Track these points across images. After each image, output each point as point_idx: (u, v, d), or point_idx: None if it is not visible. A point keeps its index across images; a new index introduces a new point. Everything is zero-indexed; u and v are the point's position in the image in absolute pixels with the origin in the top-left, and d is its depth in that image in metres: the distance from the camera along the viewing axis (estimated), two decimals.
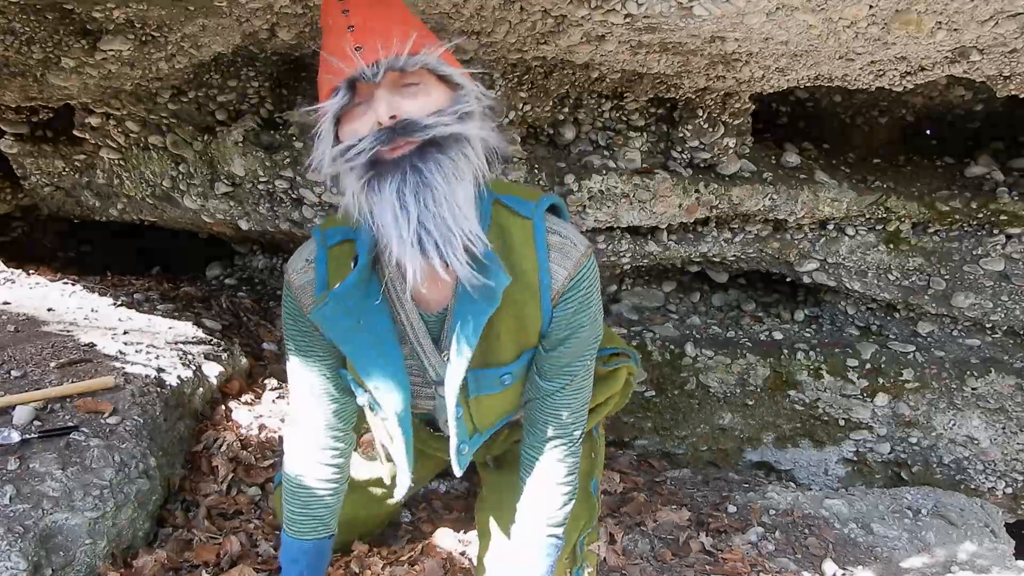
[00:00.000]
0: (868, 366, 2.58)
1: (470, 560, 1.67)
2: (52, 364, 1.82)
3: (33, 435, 1.53)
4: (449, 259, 1.05)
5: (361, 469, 1.70)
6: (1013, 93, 1.88)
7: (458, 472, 1.37)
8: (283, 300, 1.33)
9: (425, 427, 1.56)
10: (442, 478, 2.02)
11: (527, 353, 1.28)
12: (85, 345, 1.98)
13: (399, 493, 1.40)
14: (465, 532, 1.77)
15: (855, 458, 2.66)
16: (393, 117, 1.03)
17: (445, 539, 1.76)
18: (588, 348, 1.30)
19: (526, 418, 1.39)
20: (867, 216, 2.46)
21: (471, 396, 1.31)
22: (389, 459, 1.48)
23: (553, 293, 1.21)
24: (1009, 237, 2.44)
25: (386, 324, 1.22)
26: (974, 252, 2.46)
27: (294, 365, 1.34)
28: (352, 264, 1.20)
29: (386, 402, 1.25)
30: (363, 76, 1.03)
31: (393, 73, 1.04)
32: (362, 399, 1.35)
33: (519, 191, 1.25)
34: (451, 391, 1.24)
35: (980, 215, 2.43)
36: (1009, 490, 2.61)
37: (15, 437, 1.50)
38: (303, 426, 1.37)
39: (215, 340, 2.34)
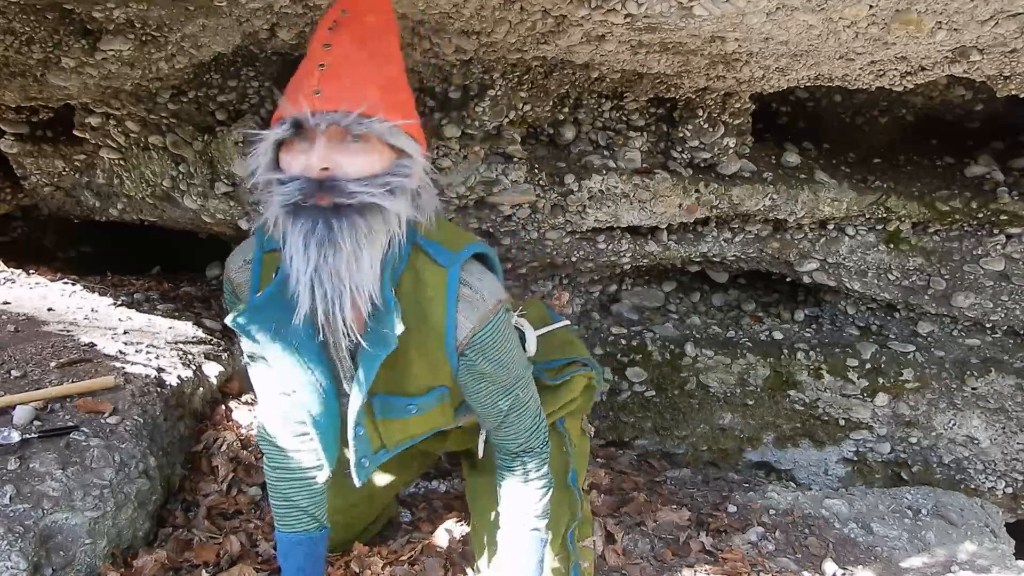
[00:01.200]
0: (868, 366, 2.58)
1: (471, 557, 1.67)
2: (52, 364, 1.82)
3: (33, 435, 1.53)
4: (332, 313, 1.11)
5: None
6: (1013, 93, 1.88)
7: (357, 483, 1.39)
8: (224, 294, 1.37)
9: None
10: (442, 478, 2.03)
11: (437, 391, 1.33)
12: (85, 345, 1.98)
13: (320, 479, 1.42)
14: (465, 532, 1.77)
15: (855, 458, 2.66)
16: (325, 169, 1.06)
17: (445, 539, 1.76)
18: (510, 387, 1.35)
19: (489, 435, 1.45)
20: (867, 216, 2.46)
21: (376, 417, 1.34)
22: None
23: (458, 343, 1.26)
24: (1009, 237, 2.44)
25: (308, 333, 1.21)
26: (974, 252, 2.46)
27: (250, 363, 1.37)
28: (274, 275, 1.23)
29: (303, 406, 1.28)
30: (307, 122, 1.06)
31: (339, 128, 1.06)
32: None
33: (446, 237, 1.27)
34: (352, 412, 1.28)
35: (980, 215, 2.43)
36: (1009, 490, 2.61)
37: (15, 437, 1.50)
38: (271, 418, 1.40)
39: (215, 340, 2.34)
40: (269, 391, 1.36)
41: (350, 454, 1.36)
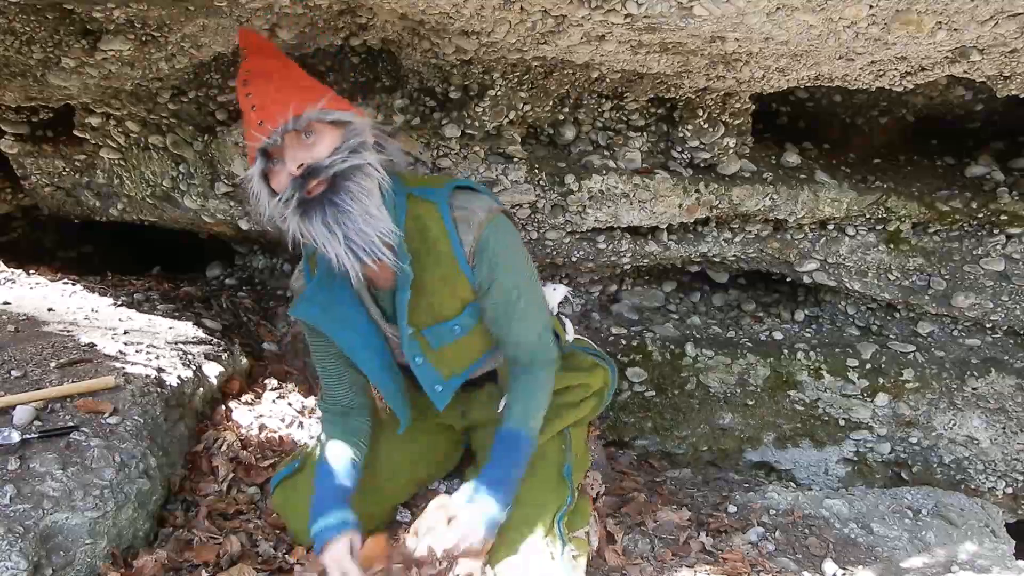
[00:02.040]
0: (868, 366, 2.58)
1: None
2: (52, 364, 1.82)
3: (33, 435, 1.53)
4: (378, 257, 1.37)
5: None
6: (1013, 93, 1.88)
7: (440, 408, 1.67)
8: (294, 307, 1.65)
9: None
10: (442, 478, 2.02)
11: (469, 307, 1.57)
12: (85, 345, 1.98)
13: (399, 430, 1.70)
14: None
15: (855, 458, 2.66)
16: (301, 166, 1.33)
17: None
18: (519, 286, 1.57)
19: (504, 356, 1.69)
20: (867, 216, 2.46)
21: (434, 347, 1.60)
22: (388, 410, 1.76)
23: (467, 256, 1.51)
24: (1009, 237, 2.44)
25: (355, 308, 1.58)
26: (974, 252, 2.46)
27: (314, 357, 1.70)
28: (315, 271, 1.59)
29: (364, 364, 1.61)
30: (268, 144, 1.34)
31: (291, 134, 1.33)
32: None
33: (429, 181, 1.57)
34: (405, 347, 1.58)
35: (980, 215, 2.43)
36: (1009, 490, 2.61)
37: (15, 437, 1.50)
38: (329, 401, 1.71)
39: (215, 340, 2.34)
40: (331, 366, 1.67)
41: (423, 383, 1.63)
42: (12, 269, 2.85)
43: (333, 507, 1.53)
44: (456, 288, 1.54)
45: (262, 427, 2.11)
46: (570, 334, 1.91)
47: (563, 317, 1.94)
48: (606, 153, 2.24)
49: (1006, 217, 2.40)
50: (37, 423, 1.59)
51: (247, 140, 1.38)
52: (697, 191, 2.25)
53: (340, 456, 1.63)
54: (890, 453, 2.63)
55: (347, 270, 1.40)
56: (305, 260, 1.65)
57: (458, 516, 1.51)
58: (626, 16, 1.44)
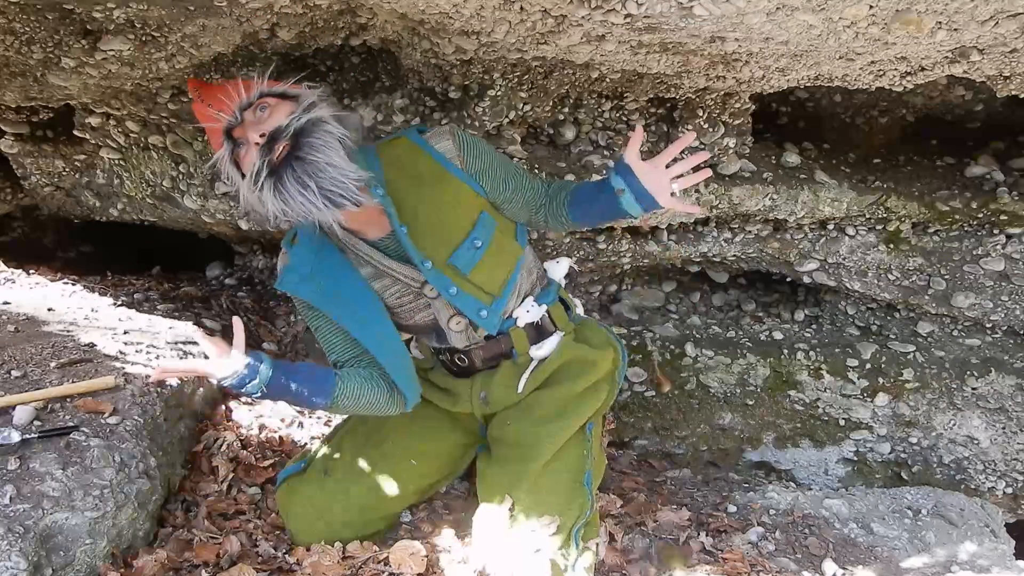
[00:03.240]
0: (868, 366, 2.58)
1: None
2: (52, 364, 1.82)
3: (33, 435, 1.53)
4: (355, 200, 1.42)
5: (363, 465, 1.74)
6: (1013, 93, 1.88)
7: (492, 332, 1.69)
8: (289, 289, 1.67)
9: (449, 376, 1.83)
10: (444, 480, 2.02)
11: (480, 217, 1.61)
12: (85, 345, 1.98)
13: (407, 407, 1.65)
14: (465, 532, 1.77)
15: (855, 458, 2.66)
16: (262, 135, 1.41)
17: (445, 539, 1.76)
18: (514, 167, 1.74)
19: (540, 204, 1.77)
20: (867, 216, 2.46)
21: (466, 273, 1.61)
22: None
23: (458, 162, 1.59)
24: (1009, 237, 2.44)
25: (350, 276, 1.59)
26: (974, 252, 2.46)
27: (317, 335, 1.68)
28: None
29: (364, 338, 1.58)
30: (231, 123, 1.45)
31: (248, 111, 1.45)
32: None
33: (393, 137, 1.68)
34: (437, 283, 1.60)
35: (980, 215, 2.43)
36: (1009, 490, 2.61)
37: (15, 437, 1.50)
38: (339, 357, 1.67)
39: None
40: (333, 337, 1.64)
41: (464, 316, 1.65)
42: (12, 269, 2.85)
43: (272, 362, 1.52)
44: (460, 200, 1.60)
45: (262, 427, 2.11)
46: (579, 308, 1.93)
47: (570, 296, 1.95)
48: (606, 153, 2.24)
49: (1006, 217, 2.40)
50: (37, 423, 1.59)
51: (208, 132, 1.52)
52: (697, 191, 2.25)
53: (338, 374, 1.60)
54: (890, 453, 2.63)
55: (331, 227, 1.49)
56: (287, 242, 1.69)
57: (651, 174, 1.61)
58: (626, 16, 1.44)
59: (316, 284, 1.59)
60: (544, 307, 1.76)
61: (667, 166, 1.60)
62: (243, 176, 1.47)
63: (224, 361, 1.45)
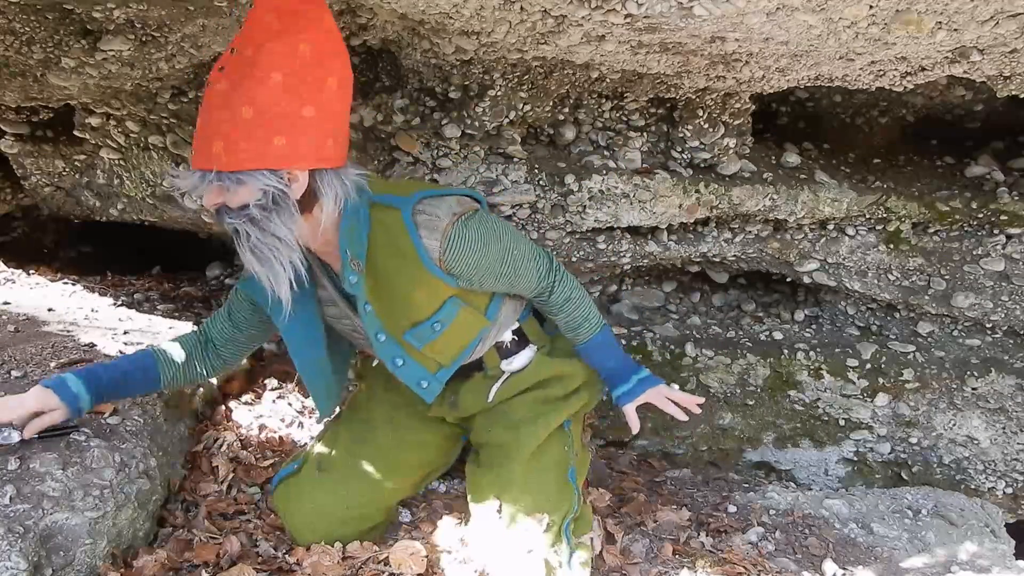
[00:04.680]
0: (868, 366, 2.58)
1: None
2: (52, 364, 1.82)
3: (33, 435, 1.53)
4: (274, 293, 1.44)
5: (361, 461, 1.76)
6: (1013, 93, 1.88)
7: (429, 400, 1.69)
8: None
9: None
10: (442, 478, 2.03)
11: (447, 303, 1.56)
12: (85, 345, 1.98)
13: (320, 416, 1.78)
14: (464, 531, 1.77)
15: (855, 458, 2.66)
16: (216, 204, 1.37)
17: (445, 539, 1.76)
18: (506, 263, 1.59)
19: (538, 305, 1.75)
20: (867, 216, 2.46)
21: (419, 349, 1.60)
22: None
23: (436, 262, 1.50)
24: (1009, 237, 2.44)
25: (305, 294, 1.54)
26: (974, 252, 2.46)
27: (232, 299, 1.67)
28: None
29: (295, 353, 1.63)
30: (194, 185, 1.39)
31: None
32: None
33: (395, 188, 1.58)
34: (379, 353, 1.61)
35: (980, 215, 2.43)
36: (1009, 490, 2.61)
37: (15, 437, 1.50)
38: (210, 330, 1.68)
39: None
40: (237, 320, 1.65)
41: (406, 382, 1.66)
42: (12, 269, 2.86)
43: (79, 375, 1.54)
44: (431, 289, 1.54)
45: (262, 427, 2.11)
46: None
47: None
48: (606, 153, 2.24)
49: (1006, 217, 2.40)
50: None
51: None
52: (697, 191, 2.25)
53: (156, 354, 1.62)
54: (890, 453, 2.63)
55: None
56: None
57: (653, 401, 1.78)
58: (626, 16, 1.44)
59: (274, 301, 1.53)
60: (514, 325, 1.77)
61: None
62: None
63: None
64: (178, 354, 1.63)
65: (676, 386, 1.88)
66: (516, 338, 1.77)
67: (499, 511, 1.64)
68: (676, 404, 1.80)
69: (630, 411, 1.80)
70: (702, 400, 1.82)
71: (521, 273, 1.62)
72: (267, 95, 1.31)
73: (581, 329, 1.75)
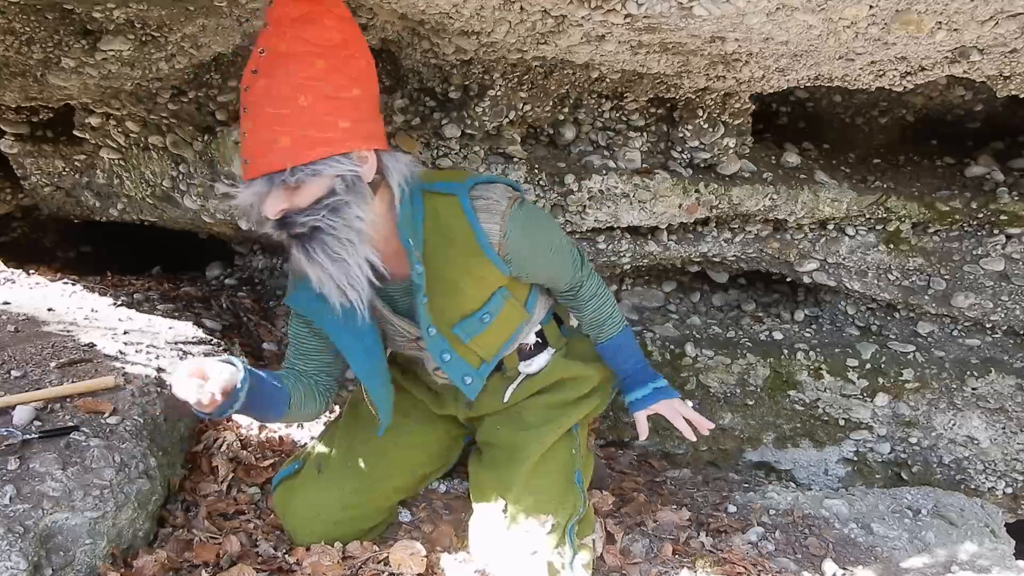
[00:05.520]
0: (868, 366, 2.58)
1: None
2: (52, 364, 1.82)
3: (33, 435, 1.53)
4: (348, 301, 1.37)
5: (364, 460, 1.75)
6: (1013, 93, 1.88)
7: (471, 397, 1.68)
8: (289, 285, 1.61)
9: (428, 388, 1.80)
10: (442, 478, 2.03)
11: (496, 294, 1.56)
12: (85, 345, 1.98)
13: (380, 431, 1.66)
14: (465, 532, 1.77)
15: (855, 458, 2.66)
16: (280, 210, 1.29)
17: (445, 539, 1.76)
18: (553, 252, 1.61)
19: (563, 301, 1.78)
20: (867, 216, 2.46)
21: (466, 342, 1.58)
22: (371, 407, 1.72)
23: (496, 247, 1.48)
24: (1009, 237, 2.44)
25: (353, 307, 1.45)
26: (974, 252, 2.46)
27: (292, 334, 1.64)
28: None
29: (356, 366, 1.56)
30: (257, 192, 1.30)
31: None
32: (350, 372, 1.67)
33: (447, 176, 1.56)
34: (430, 348, 1.57)
35: (980, 215, 2.43)
36: (1009, 490, 2.61)
37: (15, 437, 1.50)
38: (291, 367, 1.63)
39: (215, 340, 2.34)
40: (307, 346, 1.61)
41: (448, 377, 1.64)
42: (12, 269, 2.85)
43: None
44: (483, 277, 1.53)
45: (262, 427, 2.11)
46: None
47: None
48: (606, 153, 2.24)
49: (1006, 217, 2.40)
50: (37, 423, 1.59)
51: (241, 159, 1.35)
52: (697, 191, 2.25)
53: (285, 379, 1.55)
54: (890, 453, 2.63)
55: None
56: None
57: (665, 414, 1.77)
58: (626, 16, 1.44)
59: (325, 305, 1.47)
60: (538, 327, 1.78)
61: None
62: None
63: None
64: (293, 383, 1.56)
65: (691, 403, 1.88)
66: (538, 340, 1.77)
67: (504, 511, 1.64)
68: (687, 421, 1.79)
69: (640, 418, 1.81)
70: (712, 425, 1.81)
71: (562, 263, 1.64)
72: (316, 81, 1.27)
73: (604, 327, 1.77)
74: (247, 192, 1.31)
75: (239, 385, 1.32)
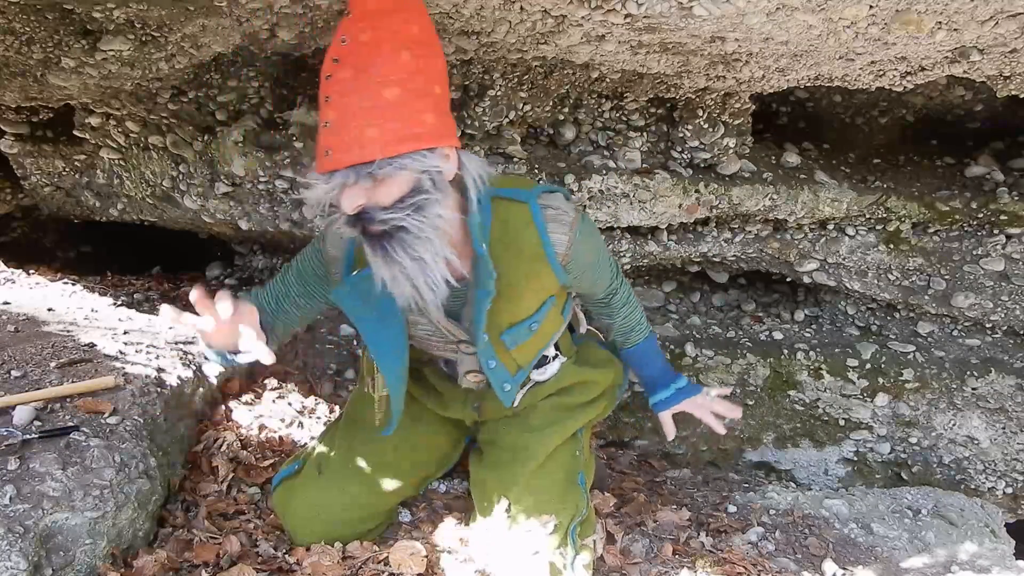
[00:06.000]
0: (868, 366, 2.58)
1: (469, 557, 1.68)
2: (52, 364, 1.81)
3: (33, 435, 1.53)
4: (423, 300, 1.32)
5: (366, 459, 1.75)
6: (1013, 93, 1.89)
7: (507, 404, 1.67)
8: (312, 249, 1.56)
9: (444, 380, 1.78)
10: (442, 478, 2.02)
11: (547, 303, 1.56)
12: (85, 345, 1.98)
13: (389, 430, 1.66)
14: (465, 533, 1.77)
15: (855, 458, 2.66)
16: (359, 205, 1.23)
17: (445, 539, 1.76)
18: (604, 262, 1.66)
19: (593, 309, 1.81)
20: (867, 216, 2.46)
21: (510, 349, 1.58)
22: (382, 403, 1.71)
23: (560, 257, 1.48)
24: (1009, 237, 2.44)
25: (394, 306, 1.42)
26: (974, 252, 2.46)
27: (290, 269, 1.59)
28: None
29: (384, 365, 1.55)
30: (330, 184, 1.24)
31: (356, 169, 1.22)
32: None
33: (514, 182, 1.53)
34: (481, 353, 1.56)
35: (980, 215, 2.43)
36: (1009, 490, 2.61)
37: (15, 437, 1.50)
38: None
39: None
40: (291, 297, 1.57)
41: (480, 383, 1.65)
42: (12, 269, 2.85)
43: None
44: (541, 284, 1.52)
45: (262, 427, 2.11)
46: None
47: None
48: (606, 153, 2.24)
49: (1006, 217, 2.40)
50: (37, 423, 1.59)
51: (316, 153, 1.28)
52: (697, 191, 2.25)
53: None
54: (890, 453, 2.63)
55: None
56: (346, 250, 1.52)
57: (689, 411, 1.82)
58: (626, 16, 1.44)
59: (369, 306, 1.46)
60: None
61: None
62: (332, 206, 1.30)
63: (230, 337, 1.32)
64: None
65: (714, 392, 1.87)
66: (555, 349, 1.76)
67: (507, 511, 1.64)
68: (715, 414, 1.82)
69: (665, 418, 1.85)
70: (740, 409, 1.84)
71: (605, 270, 1.67)
72: (403, 74, 1.23)
73: (633, 333, 1.80)
74: (325, 185, 1.24)
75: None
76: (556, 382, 1.77)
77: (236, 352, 1.34)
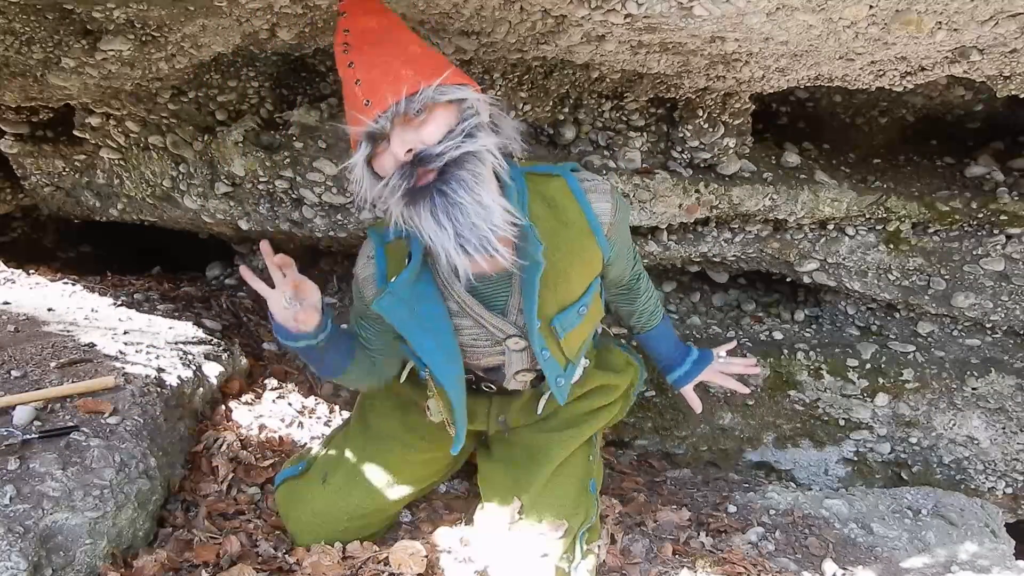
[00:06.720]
0: (868, 366, 2.58)
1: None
2: (52, 364, 1.82)
3: (33, 435, 1.53)
4: (491, 253, 1.23)
5: (369, 463, 1.75)
6: (1013, 93, 1.88)
7: (561, 401, 1.61)
8: (352, 288, 1.55)
9: (478, 393, 1.73)
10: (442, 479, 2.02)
11: (594, 282, 1.52)
12: (85, 345, 1.98)
13: (455, 448, 1.60)
14: (465, 533, 1.77)
15: (855, 458, 2.66)
16: (409, 151, 1.19)
17: (445, 539, 1.76)
18: (632, 245, 1.66)
19: (616, 296, 1.79)
20: (867, 216, 2.46)
21: (560, 338, 1.50)
22: (446, 422, 1.68)
23: (606, 228, 1.44)
24: (1009, 237, 2.44)
25: (438, 309, 1.42)
26: (974, 252, 2.46)
27: (351, 323, 1.60)
28: (406, 260, 1.40)
29: (440, 374, 1.49)
30: (376, 129, 1.21)
31: (399, 117, 1.19)
32: (424, 372, 1.62)
33: (542, 161, 1.60)
34: (537, 343, 1.47)
35: (980, 215, 2.43)
36: (1009, 490, 2.61)
37: (16, 437, 1.50)
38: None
39: (215, 340, 2.34)
40: (373, 338, 1.56)
41: (526, 381, 1.61)
42: (12, 269, 2.85)
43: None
44: (587, 261, 1.46)
45: (262, 427, 2.11)
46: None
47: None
48: (606, 153, 2.24)
49: (1006, 217, 2.40)
50: (37, 423, 1.59)
51: (349, 123, 1.24)
52: (697, 191, 2.25)
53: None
54: (890, 453, 2.63)
55: (443, 265, 1.35)
56: (378, 245, 1.47)
57: (709, 379, 1.90)
58: (626, 16, 1.44)
59: (415, 315, 1.41)
60: None
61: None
62: (376, 177, 1.27)
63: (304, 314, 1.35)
64: (359, 345, 1.57)
65: (724, 353, 1.93)
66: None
67: (520, 512, 1.63)
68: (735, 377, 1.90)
69: (688, 392, 1.88)
70: (754, 362, 1.95)
71: (632, 249, 1.68)
72: (418, 41, 1.28)
73: (652, 317, 1.84)
74: (382, 120, 1.19)
75: (326, 311, 1.36)
76: (579, 386, 1.76)
77: (298, 333, 1.38)
